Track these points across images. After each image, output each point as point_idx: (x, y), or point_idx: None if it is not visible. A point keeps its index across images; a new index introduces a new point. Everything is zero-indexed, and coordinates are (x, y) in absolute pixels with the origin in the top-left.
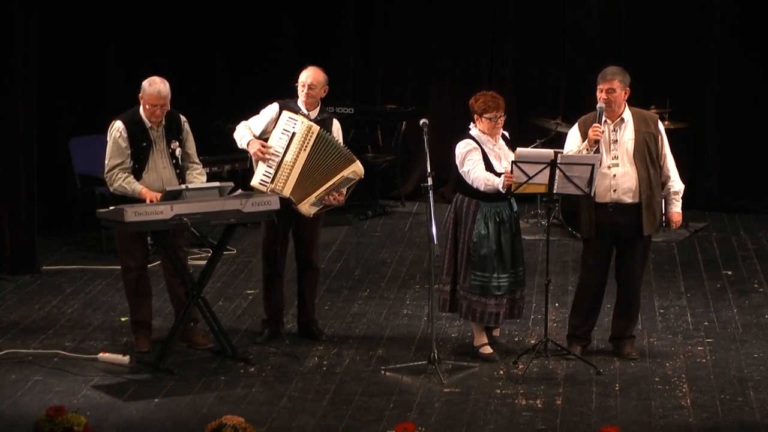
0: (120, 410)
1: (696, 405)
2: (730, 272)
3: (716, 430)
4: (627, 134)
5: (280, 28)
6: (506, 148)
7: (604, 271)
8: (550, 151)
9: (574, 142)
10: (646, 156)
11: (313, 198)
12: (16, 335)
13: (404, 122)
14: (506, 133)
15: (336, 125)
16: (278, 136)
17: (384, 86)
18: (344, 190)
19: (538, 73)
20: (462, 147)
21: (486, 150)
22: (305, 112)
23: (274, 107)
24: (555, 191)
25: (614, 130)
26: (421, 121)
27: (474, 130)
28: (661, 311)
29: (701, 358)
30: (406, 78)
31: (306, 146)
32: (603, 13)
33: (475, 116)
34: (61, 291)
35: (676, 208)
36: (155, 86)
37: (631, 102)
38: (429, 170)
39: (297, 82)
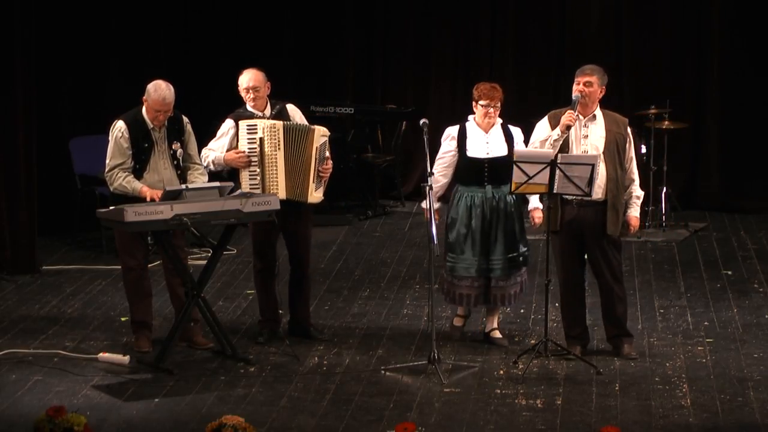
0: (120, 410)
1: (696, 405)
2: (730, 272)
3: (716, 430)
4: (598, 131)
5: (281, 29)
6: (502, 140)
7: (577, 269)
8: (550, 151)
9: (542, 132)
10: (615, 156)
11: (312, 185)
12: (16, 335)
13: (404, 122)
14: (518, 129)
15: (291, 109)
16: (246, 147)
17: (384, 86)
18: (327, 155)
19: (538, 73)
20: (443, 135)
21: (469, 135)
22: (259, 114)
23: (228, 123)
24: (555, 191)
25: (585, 126)
26: (421, 121)
27: (470, 118)
28: (661, 311)
29: (701, 358)
30: (406, 78)
31: (279, 144)
32: (603, 12)
33: (473, 103)
34: (61, 291)
35: (635, 212)
36: (160, 92)
37: (631, 101)
38: (429, 170)
39: (238, 89)
